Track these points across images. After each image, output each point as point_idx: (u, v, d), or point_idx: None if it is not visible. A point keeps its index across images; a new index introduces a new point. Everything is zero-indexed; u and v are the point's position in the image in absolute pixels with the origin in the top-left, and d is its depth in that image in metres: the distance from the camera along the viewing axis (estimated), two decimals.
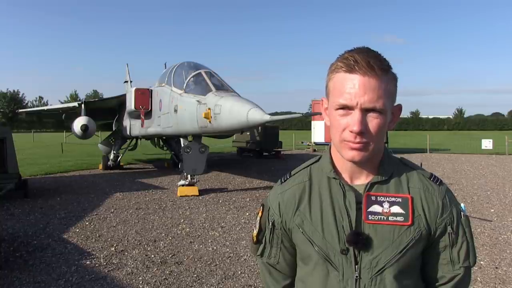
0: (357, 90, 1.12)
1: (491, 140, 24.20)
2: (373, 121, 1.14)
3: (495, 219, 7.72)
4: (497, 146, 24.53)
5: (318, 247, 1.23)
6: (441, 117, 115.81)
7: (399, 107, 1.26)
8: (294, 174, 1.37)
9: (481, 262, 5.31)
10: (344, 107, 1.14)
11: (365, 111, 1.13)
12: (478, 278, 4.79)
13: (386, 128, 1.19)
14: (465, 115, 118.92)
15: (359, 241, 1.18)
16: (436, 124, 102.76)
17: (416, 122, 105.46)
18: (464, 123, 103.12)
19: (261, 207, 1.43)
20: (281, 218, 1.33)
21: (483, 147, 24.14)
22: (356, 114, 1.13)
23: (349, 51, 1.18)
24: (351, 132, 1.13)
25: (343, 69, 1.15)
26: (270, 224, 1.36)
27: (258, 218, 1.42)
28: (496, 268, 5.13)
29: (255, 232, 1.41)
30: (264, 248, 1.39)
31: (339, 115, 1.16)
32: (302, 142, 29.85)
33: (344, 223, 1.21)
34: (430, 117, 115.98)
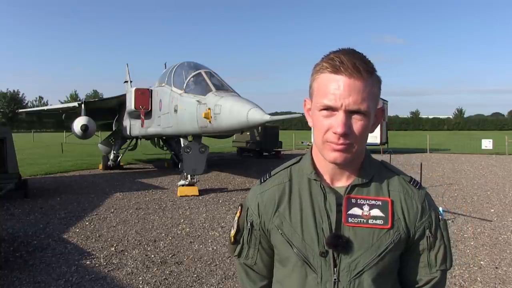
0: (342, 91, 1.11)
1: (491, 140, 24.19)
2: (357, 123, 1.13)
3: (495, 219, 7.71)
4: (497, 146, 24.54)
5: (297, 249, 1.22)
6: (441, 117, 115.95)
7: (382, 109, 1.26)
8: (274, 175, 1.35)
9: (481, 262, 5.31)
10: (328, 108, 1.13)
11: (349, 113, 1.12)
12: (478, 278, 4.78)
13: (369, 129, 1.18)
14: (465, 115, 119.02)
15: (339, 243, 1.17)
16: (436, 124, 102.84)
17: (416, 122, 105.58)
18: (464, 123, 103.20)
19: (240, 207, 1.41)
20: (260, 219, 1.31)
21: (483, 147, 24.13)
22: (340, 116, 1.11)
23: (334, 52, 1.16)
24: (335, 133, 1.12)
25: (328, 69, 1.14)
26: (249, 225, 1.34)
27: (236, 218, 1.40)
28: (496, 268, 5.13)
29: (233, 232, 1.39)
30: (241, 249, 1.37)
31: (323, 116, 1.14)
32: (302, 142, 29.84)
33: (324, 226, 1.19)
34: (430, 117, 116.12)
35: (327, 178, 1.25)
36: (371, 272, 1.18)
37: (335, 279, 1.18)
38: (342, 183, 1.24)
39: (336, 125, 1.11)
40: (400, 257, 1.25)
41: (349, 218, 1.19)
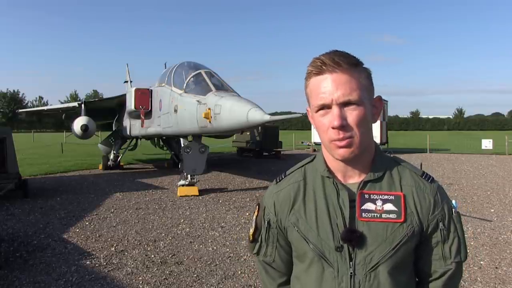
0: (330, 87, 1.16)
1: (491, 140, 24.17)
2: (352, 114, 1.16)
3: (495, 219, 7.71)
4: (497, 146, 24.52)
5: (313, 244, 1.24)
6: (441, 117, 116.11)
7: (379, 98, 1.29)
8: (289, 174, 1.39)
9: (481, 262, 5.30)
10: (323, 107, 1.18)
11: (342, 105, 1.16)
12: (478, 278, 4.78)
13: (368, 120, 1.21)
14: (465, 115, 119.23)
15: (353, 238, 1.20)
16: (436, 124, 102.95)
17: (416, 122, 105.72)
18: (464, 123, 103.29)
19: (257, 206, 1.45)
20: (276, 217, 1.35)
21: (483, 147, 24.11)
22: (334, 110, 1.16)
23: (315, 57, 1.22)
24: (334, 128, 1.16)
25: (314, 72, 1.20)
26: (266, 223, 1.38)
27: (254, 217, 1.44)
28: (496, 268, 5.13)
29: (252, 231, 1.43)
30: (260, 247, 1.41)
31: (320, 116, 1.20)
32: (302, 142, 29.88)
33: (338, 221, 1.22)
34: (430, 117, 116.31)
35: (339, 175, 1.28)
36: (386, 265, 1.20)
37: (351, 273, 1.21)
38: (355, 179, 1.27)
39: (332, 119, 1.15)
40: (415, 249, 1.27)
41: (363, 213, 1.22)
